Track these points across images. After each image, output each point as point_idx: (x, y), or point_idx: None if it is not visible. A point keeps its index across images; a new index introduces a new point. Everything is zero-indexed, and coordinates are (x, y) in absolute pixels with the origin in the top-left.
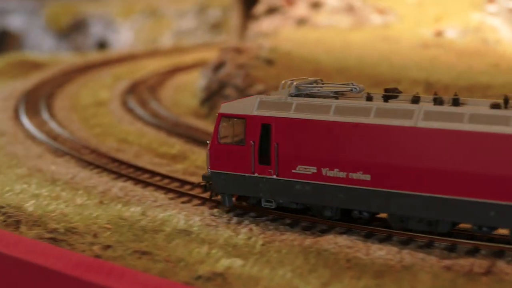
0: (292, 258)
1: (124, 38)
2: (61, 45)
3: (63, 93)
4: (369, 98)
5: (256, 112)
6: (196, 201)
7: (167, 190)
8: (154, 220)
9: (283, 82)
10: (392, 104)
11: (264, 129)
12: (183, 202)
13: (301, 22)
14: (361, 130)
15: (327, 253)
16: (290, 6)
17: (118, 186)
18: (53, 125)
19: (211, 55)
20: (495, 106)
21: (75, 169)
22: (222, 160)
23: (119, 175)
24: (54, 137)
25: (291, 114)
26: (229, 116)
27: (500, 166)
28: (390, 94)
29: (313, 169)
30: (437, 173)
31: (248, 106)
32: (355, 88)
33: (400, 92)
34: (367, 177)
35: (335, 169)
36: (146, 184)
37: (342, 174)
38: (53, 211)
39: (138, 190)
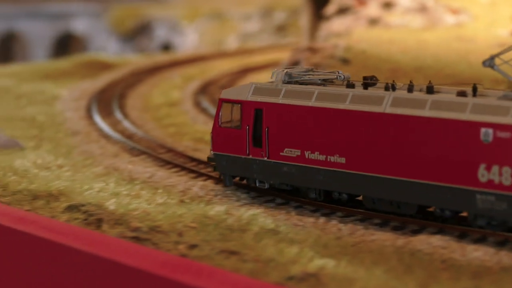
0: (386, 258)
1: (189, 40)
2: (126, 47)
3: (134, 93)
4: (350, 85)
5: (250, 98)
6: (279, 200)
7: (249, 189)
8: (239, 219)
9: (275, 70)
10: (367, 91)
11: (257, 113)
12: (266, 201)
13: (373, 22)
14: (338, 115)
15: (421, 254)
16: (362, 6)
17: (198, 185)
18: (126, 124)
19: (280, 56)
20: (461, 93)
21: (153, 168)
22: (223, 142)
23: (199, 174)
24: (129, 136)
25: (280, 100)
26: (228, 101)
27: (455, 151)
28: (369, 82)
29: (298, 152)
30: (402, 157)
31: (244, 92)
32: (340, 76)
33: (377, 80)
34: (343, 160)
35: (316, 152)
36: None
37: (321, 157)
38: (135, 210)
39: (219, 189)
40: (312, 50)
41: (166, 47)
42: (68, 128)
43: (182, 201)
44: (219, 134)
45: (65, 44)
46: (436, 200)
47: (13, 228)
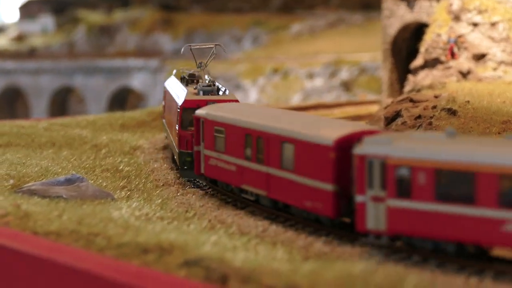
0: None
1: (251, 96)
2: None
3: None
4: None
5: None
6: (416, 258)
7: (380, 246)
8: (388, 276)
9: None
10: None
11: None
12: (402, 259)
13: (464, 75)
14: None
15: None
16: (453, 59)
17: (321, 241)
18: None
19: (355, 110)
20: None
21: (264, 221)
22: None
23: (317, 228)
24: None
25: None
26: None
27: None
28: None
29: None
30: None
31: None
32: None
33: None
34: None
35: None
36: (352, 238)
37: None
38: (263, 266)
39: (346, 244)
40: (413, 101)
41: None
42: (157, 179)
43: (307, 258)
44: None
45: (122, 99)
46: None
47: (130, 285)
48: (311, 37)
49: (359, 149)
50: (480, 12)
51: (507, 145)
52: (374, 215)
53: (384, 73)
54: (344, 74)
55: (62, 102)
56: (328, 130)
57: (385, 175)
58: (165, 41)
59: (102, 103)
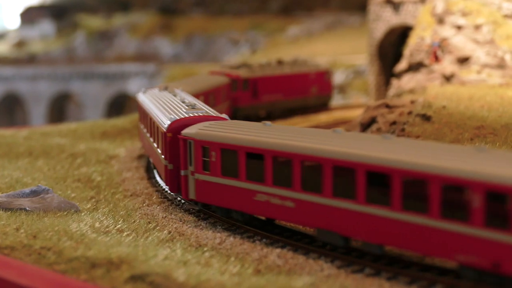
0: None
1: None
2: None
3: None
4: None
5: None
6: (369, 270)
7: (333, 258)
8: None
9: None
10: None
11: None
12: (354, 271)
13: (448, 78)
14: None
15: None
16: (437, 62)
17: (275, 253)
18: None
19: (344, 115)
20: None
21: (223, 233)
22: None
23: (275, 240)
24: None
25: None
26: None
27: None
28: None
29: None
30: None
31: None
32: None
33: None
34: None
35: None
36: (307, 250)
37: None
38: (207, 281)
39: (300, 257)
40: (389, 106)
41: None
42: (127, 189)
43: (258, 271)
44: None
45: (119, 104)
46: None
47: None
48: (308, 39)
49: None
50: (464, 14)
51: None
52: None
53: (371, 77)
54: (340, 77)
55: (60, 108)
56: None
57: None
58: (164, 45)
59: (100, 108)
